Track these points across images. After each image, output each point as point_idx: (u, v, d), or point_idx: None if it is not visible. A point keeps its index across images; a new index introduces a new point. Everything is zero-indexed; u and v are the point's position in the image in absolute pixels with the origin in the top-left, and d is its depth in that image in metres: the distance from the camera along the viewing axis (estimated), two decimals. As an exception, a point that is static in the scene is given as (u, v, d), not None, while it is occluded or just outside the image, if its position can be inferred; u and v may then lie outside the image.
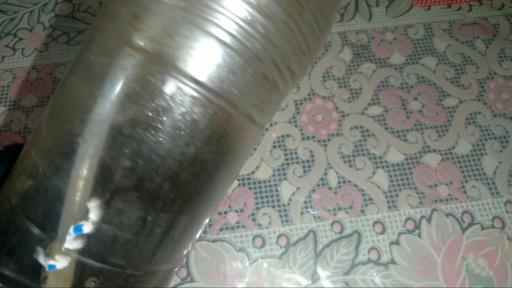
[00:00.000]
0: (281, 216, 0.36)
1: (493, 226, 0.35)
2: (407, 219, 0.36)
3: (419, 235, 0.35)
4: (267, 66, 0.21)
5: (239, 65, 0.20)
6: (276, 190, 0.37)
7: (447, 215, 0.36)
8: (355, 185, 0.37)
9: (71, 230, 0.20)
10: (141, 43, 0.19)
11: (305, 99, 0.41)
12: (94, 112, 0.19)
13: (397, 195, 0.36)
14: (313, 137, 0.39)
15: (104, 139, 0.19)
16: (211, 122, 0.20)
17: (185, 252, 0.24)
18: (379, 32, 0.45)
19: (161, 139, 0.19)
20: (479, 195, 0.36)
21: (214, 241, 0.35)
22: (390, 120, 0.40)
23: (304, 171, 0.38)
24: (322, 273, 0.34)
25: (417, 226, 0.35)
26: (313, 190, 0.37)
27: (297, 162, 0.38)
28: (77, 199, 0.19)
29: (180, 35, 0.19)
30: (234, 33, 0.19)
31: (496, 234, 0.35)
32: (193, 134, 0.20)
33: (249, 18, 0.19)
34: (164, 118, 0.19)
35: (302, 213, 0.36)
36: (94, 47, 0.21)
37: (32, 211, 0.20)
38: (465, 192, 0.37)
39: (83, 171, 0.19)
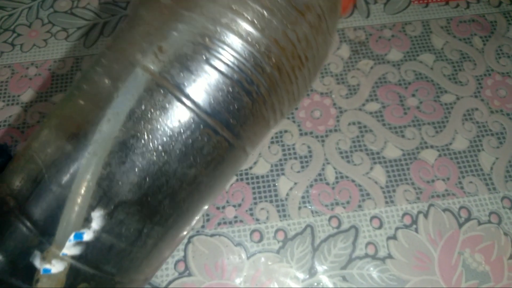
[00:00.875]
0: (278, 211, 0.36)
1: (489, 222, 0.35)
2: (404, 214, 0.36)
3: (416, 230, 0.35)
4: (266, 108, 0.24)
5: (245, 103, 0.22)
6: (274, 185, 0.37)
7: (444, 210, 0.36)
8: (353, 181, 0.37)
9: (72, 236, 0.20)
10: (158, 71, 0.21)
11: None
12: (103, 128, 0.21)
13: (394, 191, 0.37)
14: (311, 133, 0.39)
15: (113, 154, 0.20)
16: (214, 149, 0.22)
17: (163, 263, 0.26)
18: (377, 29, 0.45)
19: (169, 160, 0.21)
20: (476, 190, 0.37)
21: (212, 235, 0.35)
22: (388, 116, 0.40)
23: (302, 167, 0.38)
24: (319, 267, 0.34)
25: (414, 221, 0.35)
26: (311, 185, 0.37)
27: (295, 158, 0.38)
28: (81, 207, 0.20)
29: (197, 71, 0.21)
30: (246, 77, 0.22)
31: (493, 230, 0.35)
32: (196, 159, 0.22)
33: (260, 68, 0.22)
34: (175, 143, 0.21)
35: (299, 208, 0.36)
36: (105, 68, 0.23)
37: (33, 215, 0.21)
38: (462, 187, 0.37)
39: (90, 181, 0.20)
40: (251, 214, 0.36)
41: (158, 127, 0.21)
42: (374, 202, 0.36)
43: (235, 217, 0.36)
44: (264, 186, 0.37)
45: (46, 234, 0.20)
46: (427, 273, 0.33)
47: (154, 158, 0.21)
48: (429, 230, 0.35)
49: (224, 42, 0.21)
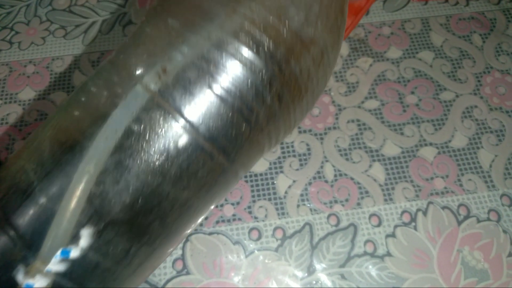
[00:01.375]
0: (277, 209, 0.36)
1: (488, 219, 0.35)
2: (403, 212, 0.36)
3: (415, 228, 0.35)
4: (263, 135, 0.24)
5: (243, 131, 0.22)
6: (273, 183, 0.37)
7: (443, 208, 0.36)
8: (352, 178, 0.37)
9: (59, 252, 0.20)
10: (159, 91, 0.21)
11: (301, 92, 0.41)
12: (99, 145, 0.20)
13: (393, 188, 0.37)
14: (310, 130, 0.39)
15: (108, 172, 0.20)
16: (208, 173, 0.22)
17: (145, 279, 0.26)
18: (376, 26, 0.45)
19: (163, 182, 0.21)
20: (475, 188, 0.37)
21: (210, 233, 0.35)
22: (387, 113, 0.40)
23: (301, 164, 0.38)
24: (318, 265, 0.34)
25: (413, 219, 0.35)
26: (310, 183, 0.37)
27: (294, 156, 0.38)
28: (70, 223, 0.20)
29: (198, 95, 0.21)
30: (247, 105, 0.22)
31: (492, 227, 0.35)
32: (190, 182, 0.22)
33: (261, 97, 0.22)
34: (171, 165, 0.21)
35: (298, 206, 0.36)
36: (105, 81, 0.22)
37: (20, 228, 0.20)
38: (461, 185, 0.37)
39: (81, 198, 0.20)
40: (250, 212, 0.36)
41: (155, 148, 0.21)
42: (373, 200, 0.36)
43: (234, 215, 0.36)
44: (262, 184, 0.37)
45: (32, 248, 0.20)
46: (426, 271, 0.33)
47: (149, 179, 0.21)
48: (428, 228, 0.35)
49: (227, 69, 0.21)
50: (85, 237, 0.20)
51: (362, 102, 0.40)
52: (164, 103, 0.21)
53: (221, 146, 0.22)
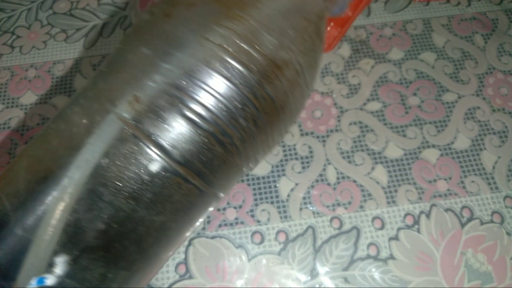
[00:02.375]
0: (280, 212, 0.36)
1: (492, 221, 0.35)
2: (406, 215, 0.36)
3: (418, 231, 0.35)
4: (240, 157, 0.24)
5: (219, 154, 0.23)
6: (275, 186, 0.37)
7: (446, 210, 0.36)
8: (354, 181, 0.37)
9: (34, 281, 0.20)
10: (132, 120, 0.21)
11: (303, 95, 0.41)
12: (73, 174, 0.21)
13: (396, 191, 0.36)
14: (312, 133, 0.39)
15: (82, 200, 0.20)
16: (184, 197, 0.22)
17: None
18: (378, 27, 0.45)
19: (137, 208, 0.21)
20: (478, 190, 0.36)
21: (213, 237, 0.35)
22: (389, 115, 0.40)
23: (303, 167, 0.38)
24: (321, 269, 0.34)
25: (416, 222, 0.35)
26: (312, 186, 0.37)
27: (296, 158, 0.38)
28: (46, 252, 0.20)
29: (171, 122, 0.21)
30: (220, 129, 0.22)
31: (495, 229, 0.35)
32: (165, 206, 0.22)
33: (235, 121, 0.22)
34: (144, 191, 0.21)
35: (301, 209, 0.36)
36: (83, 108, 0.23)
37: None
38: (464, 187, 0.37)
39: (56, 227, 0.20)
40: (252, 216, 0.36)
41: (128, 175, 0.21)
42: (376, 202, 0.36)
43: (236, 218, 0.36)
44: (265, 187, 0.37)
45: (7, 278, 0.20)
46: (429, 274, 0.33)
47: (123, 205, 0.21)
48: (431, 230, 0.35)
49: (200, 96, 0.22)
50: (61, 265, 0.20)
51: (364, 104, 0.40)
52: (137, 131, 0.21)
53: (196, 170, 0.22)
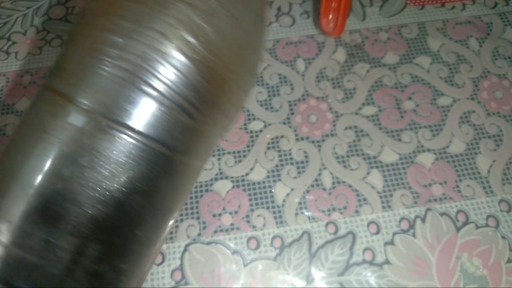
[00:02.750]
0: (275, 218, 0.36)
1: (487, 225, 0.35)
2: (401, 219, 0.36)
3: (414, 235, 0.35)
4: (207, 122, 0.26)
5: (187, 123, 0.24)
6: (271, 192, 0.37)
7: (442, 214, 0.36)
8: (350, 186, 0.37)
9: None
10: (85, 101, 0.22)
11: (299, 100, 0.41)
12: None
13: (391, 195, 0.36)
14: (307, 138, 0.39)
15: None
16: (161, 170, 0.24)
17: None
18: (373, 32, 0.45)
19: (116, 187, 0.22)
20: (473, 194, 0.37)
21: (208, 243, 0.35)
22: (384, 120, 0.40)
23: (299, 172, 0.38)
24: (316, 274, 0.34)
25: (412, 226, 0.35)
26: (308, 191, 0.37)
27: (291, 163, 0.38)
28: None
29: (135, 101, 0.22)
30: (182, 99, 0.24)
31: (490, 233, 0.35)
32: (147, 183, 0.23)
33: (194, 88, 0.24)
34: (121, 172, 0.22)
35: (296, 214, 0.36)
36: (42, 105, 0.24)
37: None
38: (459, 191, 0.37)
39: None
40: (248, 221, 0.36)
41: (104, 159, 0.22)
42: (371, 207, 0.36)
43: (232, 224, 0.36)
44: (260, 193, 0.37)
45: None
46: (425, 278, 0.33)
47: (102, 187, 0.22)
48: (427, 235, 0.35)
49: (156, 71, 0.23)
50: (5, 232, 0.21)
51: (360, 109, 0.40)
52: (100, 117, 0.22)
53: (167, 143, 0.23)
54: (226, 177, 0.37)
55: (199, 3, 0.24)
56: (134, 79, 0.22)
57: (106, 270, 0.23)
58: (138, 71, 0.22)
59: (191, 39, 0.23)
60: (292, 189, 0.37)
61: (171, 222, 0.27)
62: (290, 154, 0.39)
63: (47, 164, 0.22)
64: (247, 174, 0.38)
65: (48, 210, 0.21)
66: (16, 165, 0.22)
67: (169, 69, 0.23)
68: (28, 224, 0.21)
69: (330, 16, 0.43)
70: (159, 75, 0.23)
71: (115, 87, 0.22)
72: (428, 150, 0.38)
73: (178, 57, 0.23)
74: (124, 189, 0.23)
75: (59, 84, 0.23)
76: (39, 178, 0.22)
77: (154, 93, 0.23)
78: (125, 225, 0.23)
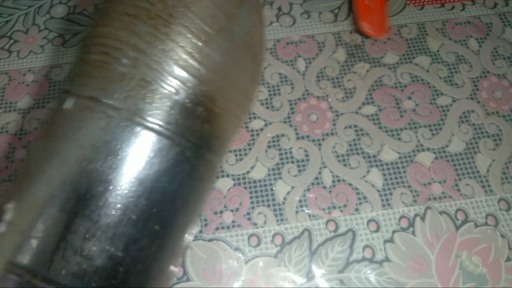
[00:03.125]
0: (276, 215, 0.36)
1: (486, 224, 0.36)
2: (401, 217, 0.36)
3: (413, 233, 0.35)
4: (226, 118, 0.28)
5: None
6: (271, 190, 0.37)
7: (441, 213, 0.36)
8: (350, 184, 0.37)
9: None
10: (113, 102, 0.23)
11: (299, 99, 0.41)
12: None
13: (391, 194, 0.37)
14: (308, 136, 0.39)
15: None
16: (186, 165, 0.25)
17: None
18: (373, 32, 0.45)
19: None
20: (472, 193, 0.37)
21: (210, 240, 0.35)
22: (384, 119, 0.40)
23: (299, 171, 0.38)
24: (317, 271, 0.34)
25: (411, 224, 0.36)
26: (308, 189, 0.37)
27: (292, 162, 0.38)
28: None
29: (157, 100, 0.23)
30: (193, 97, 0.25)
31: (490, 232, 0.35)
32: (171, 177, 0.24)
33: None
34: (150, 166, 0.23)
35: (297, 212, 0.36)
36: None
37: None
38: (458, 190, 0.37)
39: None
40: (249, 219, 0.36)
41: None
42: (371, 205, 0.36)
43: (233, 221, 0.36)
44: (261, 191, 0.37)
45: None
46: (424, 276, 0.34)
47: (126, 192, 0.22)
48: (426, 233, 0.35)
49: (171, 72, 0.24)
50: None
51: (360, 108, 0.41)
52: (132, 116, 0.23)
53: (189, 139, 0.24)
54: (228, 175, 0.38)
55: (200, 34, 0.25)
56: (157, 80, 0.23)
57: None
58: (159, 72, 0.23)
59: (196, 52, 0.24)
60: (292, 187, 0.37)
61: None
62: (290, 152, 0.39)
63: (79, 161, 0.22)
64: (248, 172, 0.38)
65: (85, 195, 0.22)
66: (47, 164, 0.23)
67: (182, 70, 0.24)
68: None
69: (368, 18, 0.42)
70: (174, 76, 0.23)
71: (138, 89, 0.23)
72: (428, 149, 0.39)
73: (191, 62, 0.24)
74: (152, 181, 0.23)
75: (85, 88, 0.24)
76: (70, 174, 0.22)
77: (172, 90, 0.23)
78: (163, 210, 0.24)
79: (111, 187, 0.21)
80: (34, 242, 0.21)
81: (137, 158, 0.22)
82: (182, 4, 0.24)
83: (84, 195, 0.21)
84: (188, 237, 0.27)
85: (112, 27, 0.24)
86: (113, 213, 0.21)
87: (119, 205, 0.21)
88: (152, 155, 0.22)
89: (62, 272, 0.20)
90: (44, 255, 0.20)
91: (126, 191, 0.22)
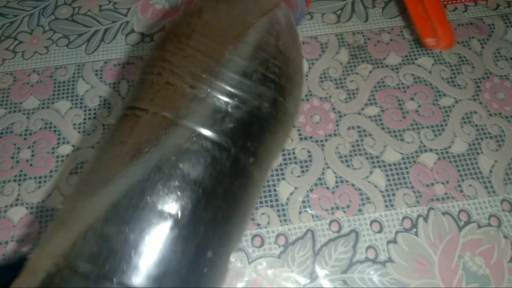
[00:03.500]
0: (279, 216, 0.36)
1: (489, 225, 0.36)
2: (404, 218, 0.36)
3: (416, 234, 0.35)
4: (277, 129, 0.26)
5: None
6: (275, 190, 0.37)
7: (444, 213, 0.36)
8: (353, 185, 0.37)
9: None
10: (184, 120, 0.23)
11: (302, 100, 0.41)
12: None
13: (394, 194, 0.37)
14: (311, 137, 0.40)
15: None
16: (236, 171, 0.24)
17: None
18: (376, 33, 0.45)
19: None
20: (475, 193, 0.37)
21: (213, 241, 0.35)
22: (387, 120, 0.40)
23: (302, 171, 0.38)
24: (320, 272, 0.34)
25: (414, 225, 0.36)
26: (311, 190, 0.37)
27: (295, 162, 0.38)
28: None
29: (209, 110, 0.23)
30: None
31: (493, 232, 0.35)
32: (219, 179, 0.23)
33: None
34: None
35: (300, 212, 0.36)
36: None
37: None
38: (461, 191, 0.37)
39: None
40: (252, 219, 0.36)
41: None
42: (374, 206, 0.36)
43: (236, 222, 0.36)
44: (265, 191, 0.37)
45: None
46: (427, 277, 0.34)
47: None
48: (429, 234, 0.35)
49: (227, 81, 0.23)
50: None
51: (362, 109, 0.41)
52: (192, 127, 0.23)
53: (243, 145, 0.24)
54: (231, 176, 0.38)
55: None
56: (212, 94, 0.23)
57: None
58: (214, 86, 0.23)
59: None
60: (296, 188, 0.37)
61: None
62: (294, 153, 0.39)
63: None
64: (251, 172, 0.38)
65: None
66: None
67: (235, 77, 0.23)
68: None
69: (430, 32, 0.39)
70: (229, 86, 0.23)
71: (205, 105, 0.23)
72: (430, 150, 0.39)
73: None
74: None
75: (151, 105, 0.24)
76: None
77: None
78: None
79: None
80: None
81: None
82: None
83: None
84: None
85: None
86: None
87: None
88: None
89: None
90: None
91: None
